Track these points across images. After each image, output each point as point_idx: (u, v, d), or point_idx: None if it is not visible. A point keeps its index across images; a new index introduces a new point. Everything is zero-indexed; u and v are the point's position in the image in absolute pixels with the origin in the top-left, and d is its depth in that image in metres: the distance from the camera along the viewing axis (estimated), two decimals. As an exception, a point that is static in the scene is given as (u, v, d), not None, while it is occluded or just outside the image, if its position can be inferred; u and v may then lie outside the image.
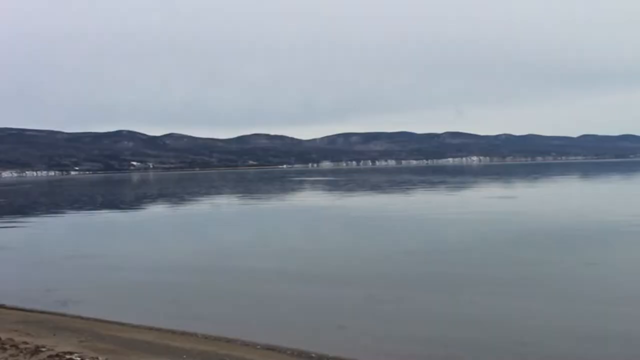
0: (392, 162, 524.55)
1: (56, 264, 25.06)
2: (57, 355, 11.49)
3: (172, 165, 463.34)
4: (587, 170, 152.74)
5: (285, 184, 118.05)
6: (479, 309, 15.16)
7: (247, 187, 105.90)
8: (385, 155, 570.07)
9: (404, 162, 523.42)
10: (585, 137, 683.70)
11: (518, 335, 12.98)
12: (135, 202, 72.67)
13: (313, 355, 12.02)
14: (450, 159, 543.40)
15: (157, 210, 56.24)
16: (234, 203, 64.15)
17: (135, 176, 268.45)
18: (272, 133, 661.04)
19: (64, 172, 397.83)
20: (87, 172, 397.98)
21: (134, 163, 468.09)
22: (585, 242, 26.39)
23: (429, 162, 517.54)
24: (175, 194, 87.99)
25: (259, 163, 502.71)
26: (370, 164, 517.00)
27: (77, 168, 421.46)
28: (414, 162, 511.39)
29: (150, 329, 14.18)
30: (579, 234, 29.01)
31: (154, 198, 79.64)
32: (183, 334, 13.73)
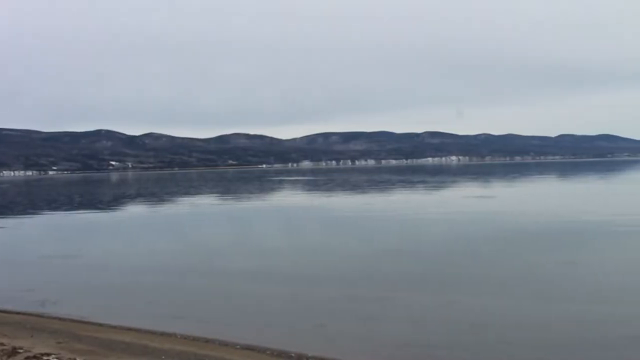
0: (371, 162, 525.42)
1: (34, 264, 24.86)
2: (34, 357, 11.41)
3: (151, 165, 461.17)
4: (565, 170, 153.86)
5: (264, 183, 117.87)
6: (459, 309, 15.22)
7: (226, 187, 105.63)
8: (364, 154, 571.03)
9: (383, 161, 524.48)
10: (563, 137, 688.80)
11: (500, 334, 13.05)
12: (113, 202, 72.24)
13: (292, 354, 12.01)
14: (430, 159, 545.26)
15: (135, 211, 55.95)
16: (213, 203, 63.95)
17: (114, 176, 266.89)
18: (252, 133, 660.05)
19: (42, 172, 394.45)
20: (66, 172, 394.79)
21: (113, 163, 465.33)
22: (562, 241, 26.58)
23: (409, 161, 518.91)
24: (154, 194, 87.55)
25: (239, 163, 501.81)
26: (350, 163, 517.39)
27: (55, 168, 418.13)
28: (393, 162, 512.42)
29: (129, 329, 14.10)
30: (556, 233, 29.24)
31: (132, 198, 79.21)
32: (162, 334, 13.66)
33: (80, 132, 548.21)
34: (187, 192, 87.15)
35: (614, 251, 23.49)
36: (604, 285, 17.44)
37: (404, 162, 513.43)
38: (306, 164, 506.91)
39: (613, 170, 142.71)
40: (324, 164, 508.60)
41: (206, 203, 62.99)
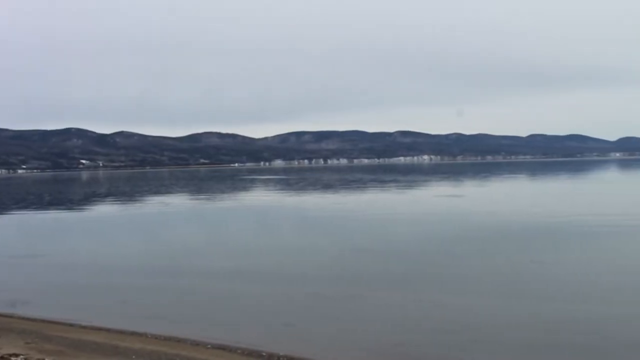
0: (344, 161, 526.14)
1: (2, 264, 24.64)
2: (1, 358, 11.31)
3: (122, 164, 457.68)
4: (535, 170, 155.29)
5: (236, 182, 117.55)
6: (430, 308, 15.35)
7: (198, 186, 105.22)
8: (337, 154, 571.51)
9: (355, 160, 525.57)
10: (533, 137, 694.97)
11: (473, 333, 13.16)
12: (84, 201, 71.59)
13: (264, 354, 12.02)
14: (402, 158, 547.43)
15: (106, 210, 55.54)
16: (185, 202, 63.67)
17: (85, 175, 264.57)
18: (224, 131, 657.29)
19: (11, 171, 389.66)
20: (35, 171, 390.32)
21: (83, 161, 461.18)
22: (531, 240, 26.88)
23: (381, 160, 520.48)
24: (125, 193, 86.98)
25: (211, 162, 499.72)
26: (322, 162, 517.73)
27: (24, 166, 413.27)
28: (365, 161, 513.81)
29: (99, 329, 14.01)
30: (525, 232, 29.56)
31: (103, 197, 78.58)
32: (132, 334, 13.60)
33: (50, 130, 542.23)
34: (159, 191, 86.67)
35: (582, 250, 23.78)
36: (573, 284, 17.65)
37: (376, 161, 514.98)
38: (279, 162, 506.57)
39: (582, 170, 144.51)
40: (296, 162, 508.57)
41: (177, 202, 62.69)
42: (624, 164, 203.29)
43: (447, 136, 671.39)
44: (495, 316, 14.40)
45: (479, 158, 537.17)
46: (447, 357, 11.86)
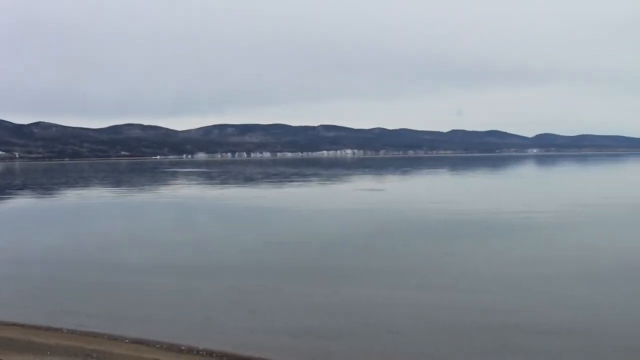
0: (267, 155, 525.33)
1: None
2: None
3: (40, 155, 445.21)
4: (455, 165, 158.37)
5: (157, 175, 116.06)
6: (345, 299, 15.56)
7: (118, 179, 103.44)
8: (260, 147, 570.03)
9: (279, 154, 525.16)
10: (454, 133, 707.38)
11: (384, 323, 13.43)
12: (-2, 193, 69.53)
13: (183, 348, 12.01)
14: (325, 152, 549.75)
15: (21, 203, 54.06)
16: (103, 195, 62.47)
17: (0, 166, 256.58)
18: (146, 123, 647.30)
19: None
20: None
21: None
22: (445, 233, 27.46)
23: (304, 154, 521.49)
24: (43, 185, 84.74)
25: (132, 154, 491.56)
26: (246, 156, 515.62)
27: None
28: (289, 155, 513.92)
29: (13, 325, 13.72)
30: (440, 225, 30.18)
31: (19, 189, 76.39)
32: (48, 329, 13.37)
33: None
34: (78, 184, 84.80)
35: (492, 243, 24.50)
36: (481, 274, 18.18)
37: (300, 155, 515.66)
38: (201, 156, 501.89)
39: (500, 166, 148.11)
40: (219, 156, 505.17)
41: (96, 195, 61.49)
42: (540, 160, 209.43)
43: (370, 131, 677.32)
44: (406, 306, 14.72)
45: (401, 153, 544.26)
46: (366, 347, 12.07)
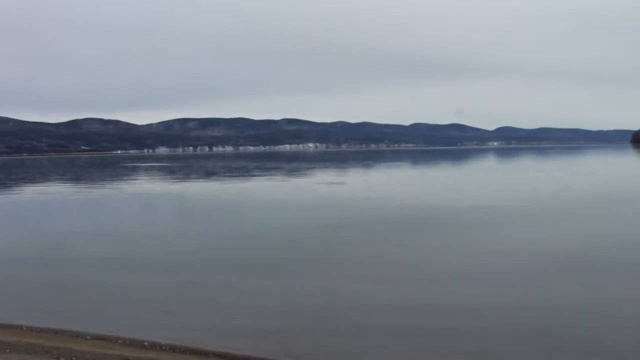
0: (229, 148, 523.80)
1: None
2: None
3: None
4: (416, 158, 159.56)
5: (117, 170, 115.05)
6: (304, 292, 15.66)
7: (77, 174, 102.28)
8: (222, 141, 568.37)
9: (241, 148, 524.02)
10: (416, 126, 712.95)
11: (343, 316, 13.55)
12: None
13: (146, 343, 11.98)
14: (287, 146, 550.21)
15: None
16: (62, 191, 61.68)
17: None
18: (106, 117, 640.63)
19: None
20: None
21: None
22: (400, 225, 27.69)
23: (267, 148, 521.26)
24: None
25: (92, 148, 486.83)
26: (208, 149, 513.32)
27: None
28: (251, 148, 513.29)
29: (-29, 323, 13.58)
30: (397, 218, 30.42)
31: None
32: (6, 327, 13.21)
33: None
34: (36, 180, 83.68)
35: (445, 235, 24.78)
36: (434, 265, 18.45)
37: (262, 148, 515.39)
38: (163, 150, 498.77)
39: (460, 158, 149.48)
40: (181, 150, 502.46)
41: (54, 191, 60.67)
42: (499, 153, 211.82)
43: (332, 124, 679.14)
44: (373, 299, 14.85)
45: (363, 146, 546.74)
46: (327, 340, 12.18)
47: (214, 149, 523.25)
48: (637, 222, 27.73)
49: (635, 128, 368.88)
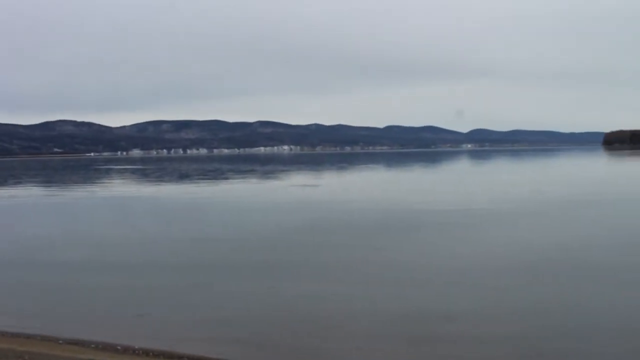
0: (204, 151, 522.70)
1: None
2: None
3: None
4: (390, 160, 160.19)
5: (90, 173, 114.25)
6: (279, 295, 15.62)
7: (50, 177, 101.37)
8: (196, 143, 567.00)
9: (215, 150, 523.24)
10: (390, 128, 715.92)
11: (322, 318, 13.57)
12: None
13: (119, 347, 11.89)
14: (262, 148, 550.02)
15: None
16: (33, 193, 61.11)
17: None
18: (79, 119, 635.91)
19: None
20: None
21: None
22: (375, 228, 27.73)
23: (241, 150, 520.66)
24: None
25: (65, 151, 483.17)
26: (182, 152, 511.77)
27: None
28: (226, 151, 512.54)
29: (-61, 327, 13.39)
30: (371, 220, 30.52)
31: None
32: (-23, 331, 13.09)
33: None
34: (6, 182, 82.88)
35: (420, 238, 24.92)
36: (411, 268, 18.52)
37: (236, 151, 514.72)
38: (136, 152, 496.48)
39: (434, 161, 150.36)
40: (155, 152, 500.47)
41: (25, 194, 60.06)
42: (473, 155, 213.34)
43: (307, 126, 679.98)
44: (339, 300, 14.90)
45: (338, 149, 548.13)
46: (301, 342, 12.18)
47: (188, 151, 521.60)
48: (609, 224, 28.02)
49: (606, 130, 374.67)
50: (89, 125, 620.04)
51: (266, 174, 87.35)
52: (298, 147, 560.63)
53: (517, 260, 19.36)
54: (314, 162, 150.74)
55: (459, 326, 12.85)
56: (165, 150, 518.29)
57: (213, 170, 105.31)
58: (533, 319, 13.21)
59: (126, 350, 11.79)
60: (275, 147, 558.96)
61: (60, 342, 12.31)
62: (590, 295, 15.08)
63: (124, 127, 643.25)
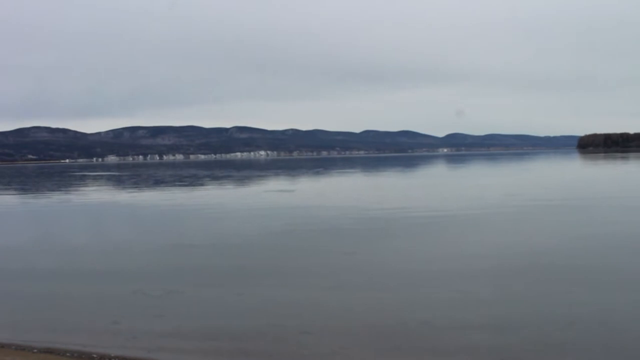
0: (180, 157, 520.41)
1: None
2: None
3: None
4: (367, 165, 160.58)
5: (65, 179, 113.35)
6: (254, 300, 15.68)
7: (24, 183, 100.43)
8: (173, 149, 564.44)
9: (192, 156, 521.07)
10: (367, 133, 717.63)
11: (294, 323, 13.67)
12: None
13: (94, 355, 11.89)
14: (239, 154, 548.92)
15: None
16: (7, 201, 60.55)
17: None
18: (54, 126, 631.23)
19: None
20: None
21: None
22: (348, 233, 27.82)
23: (218, 156, 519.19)
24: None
25: (39, 157, 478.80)
26: (158, 158, 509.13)
27: None
28: (202, 157, 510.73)
29: None
30: (345, 225, 30.56)
31: None
32: (-50, 341, 13.03)
33: None
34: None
35: (392, 242, 25.01)
36: (381, 272, 18.69)
37: (213, 157, 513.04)
38: (112, 158, 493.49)
39: (410, 165, 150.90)
40: (130, 158, 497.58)
41: None
42: (449, 159, 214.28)
43: (283, 132, 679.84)
44: (314, 305, 15.02)
45: (315, 153, 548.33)
46: (279, 349, 12.27)
47: (165, 157, 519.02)
48: (579, 226, 28.35)
49: (581, 134, 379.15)
50: (64, 131, 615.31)
51: (242, 180, 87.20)
52: (275, 153, 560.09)
53: (494, 263, 19.59)
54: (290, 168, 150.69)
55: (433, 331, 13.02)
56: (141, 157, 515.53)
57: (189, 177, 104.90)
58: (501, 322, 13.44)
59: (102, 357, 11.77)
60: (252, 153, 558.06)
61: (35, 351, 12.30)
62: (560, 297, 15.30)
63: (99, 133, 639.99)
